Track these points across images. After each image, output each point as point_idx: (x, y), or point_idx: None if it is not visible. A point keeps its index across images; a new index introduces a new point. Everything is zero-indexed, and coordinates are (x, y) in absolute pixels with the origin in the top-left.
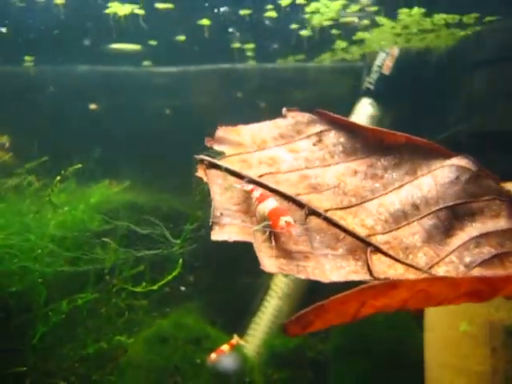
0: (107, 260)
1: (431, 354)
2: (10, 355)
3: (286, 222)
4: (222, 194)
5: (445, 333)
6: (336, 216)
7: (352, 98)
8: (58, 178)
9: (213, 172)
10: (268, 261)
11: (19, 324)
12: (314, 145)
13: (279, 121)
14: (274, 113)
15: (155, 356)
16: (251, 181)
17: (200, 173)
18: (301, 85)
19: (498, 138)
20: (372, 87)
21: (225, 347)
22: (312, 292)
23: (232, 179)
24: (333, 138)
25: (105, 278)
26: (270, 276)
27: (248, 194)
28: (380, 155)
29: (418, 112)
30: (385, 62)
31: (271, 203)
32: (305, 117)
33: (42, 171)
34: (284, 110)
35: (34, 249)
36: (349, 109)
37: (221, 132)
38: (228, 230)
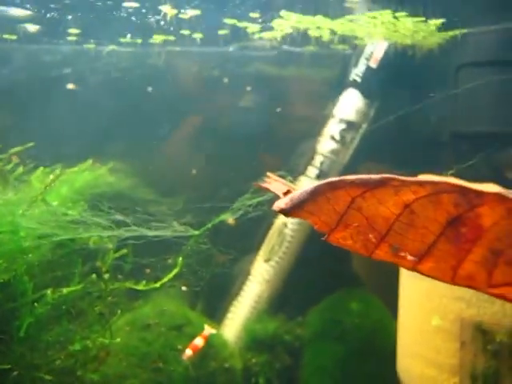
0: (92, 241)
1: (404, 345)
2: None
3: None
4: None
5: (418, 326)
6: None
7: (337, 87)
8: (52, 177)
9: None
10: None
11: (4, 314)
12: None
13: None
14: None
15: (137, 342)
16: None
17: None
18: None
19: (478, 139)
20: (359, 79)
21: (199, 341)
22: (291, 280)
23: None
24: None
25: (94, 268)
26: (250, 261)
27: None
28: None
29: (401, 107)
30: (372, 55)
31: None
32: None
33: (26, 156)
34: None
35: (19, 237)
36: (334, 97)
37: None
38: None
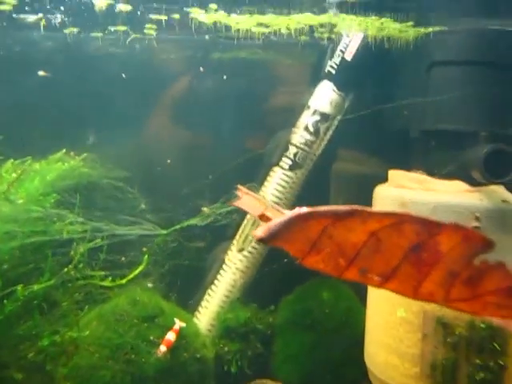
0: (64, 232)
1: (370, 334)
2: None
3: None
4: (249, 201)
5: (384, 317)
6: None
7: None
8: (14, 175)
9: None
10: None
11: None
12: None
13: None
14: None
15: (109, 333)
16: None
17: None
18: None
19: (447, 137)
20: (333, 71)
21: (171, 336)
22: (264, 269)
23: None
24: None
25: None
26: (224, 251)
27: None
28: None
29: (375, 101)
30: (348, 47)
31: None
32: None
33: None
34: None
35: None
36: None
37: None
38: (247, 206)
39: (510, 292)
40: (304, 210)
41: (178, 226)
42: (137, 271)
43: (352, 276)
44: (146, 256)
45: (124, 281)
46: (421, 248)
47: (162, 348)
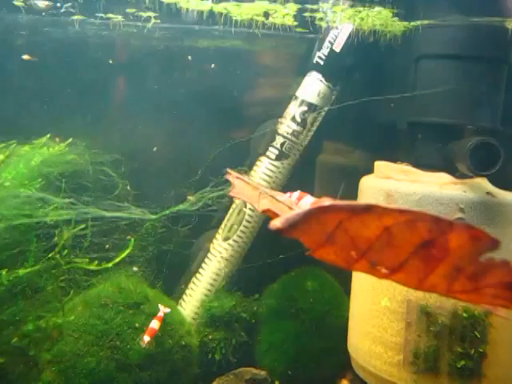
0: (50, 216)
1: (354, 324)
2: None
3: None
4: (242, 188)
5: (368, 306)
6: None
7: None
8: (1, 157)
9: (237, 179)
10: None
11: None
12: None
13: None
14: None
15: (94, 320)
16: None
17: (230, 177)
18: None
19: (433, 129)
20: (322, 62)
21: (154, 324)
22: (249, 258)
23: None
24: None
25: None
26: (209, 239)
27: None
28: None
29: (363, 93)
30: (336, 38)
31: (310, 198)
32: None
33: None
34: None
35: None
36: (296, 79)
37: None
38: (242, 195)
39: (509, 286)
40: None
41: (166, 212)
42: (123, 255)
43: (361, 268)
44: (132, 240)
45: (110, 264)
46: (431, 244)
47: (146, 338)
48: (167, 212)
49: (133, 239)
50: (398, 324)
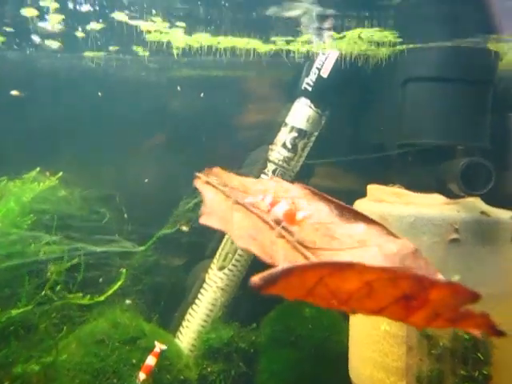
0: (42, 253)
1: (355, 350)
2: None
3: (303, 216)
4: (213, 201)
5: (367, 331)
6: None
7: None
8: None
9: (207, 187)
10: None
11: None
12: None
13: (264, 181)
14: None
15: (90, 358)
16: (237, 202)
17: (198, 184)
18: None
19: (423, 151)
20: (310, 88)
21: (150, 360)
22: (245, 286)
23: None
24: (304, 203)
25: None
26: (205, 269)
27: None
28: (339, 223)
29: (351, 117)
30: (324, 64)
31: (283, 206)
32: (286, 184)
33: None
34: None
35: None
36: (285, 105)
37: (216, 170)
38: (214, 220)
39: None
40: (302, 262)
41: (153, 239)
42: (115, 287)
43: (342, 310)
44: (125, 271)
45: (102, 297)
46: (412, 297)
47: (142, 376)
48: (153, 240)
49: (125, 271)
50: (398, 348)
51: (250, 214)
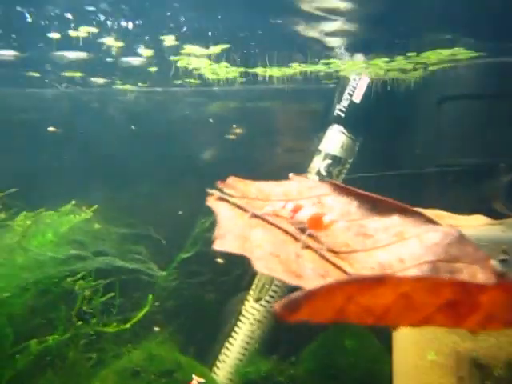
0: (77, 287)
1: (399, 382)
2: None
3: (330, 219)
4: (228, 220)
5: (413, 361)
6: (327, 255)
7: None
8: (29, 223)
9: (221, 204)
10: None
11: None
12: (313, 204)
13: (284, 182)
14: None
15: None
16: (254, 215)
17: (210, 203)
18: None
19: (463, 170)
20: (343, 114)
21: None
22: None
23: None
24: (331, 200)
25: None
26: (241, 302)
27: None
28: (372, 219)
29: (385, 142)
30: (355, 89)
31: (308, 210)
32: (308, 181)
33: (8, 200)
34: (290, 174)
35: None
36: (318, 133)
37: (231, 180)
38: (229, 242)
39: None
40: (326, 282)
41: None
42: (142, 312)
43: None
44: (150, 297)
45: (128, 325)
46: (458, 304)
47: None
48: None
49: (151, 296)
50: (448, 379)
51: (269, 226)
